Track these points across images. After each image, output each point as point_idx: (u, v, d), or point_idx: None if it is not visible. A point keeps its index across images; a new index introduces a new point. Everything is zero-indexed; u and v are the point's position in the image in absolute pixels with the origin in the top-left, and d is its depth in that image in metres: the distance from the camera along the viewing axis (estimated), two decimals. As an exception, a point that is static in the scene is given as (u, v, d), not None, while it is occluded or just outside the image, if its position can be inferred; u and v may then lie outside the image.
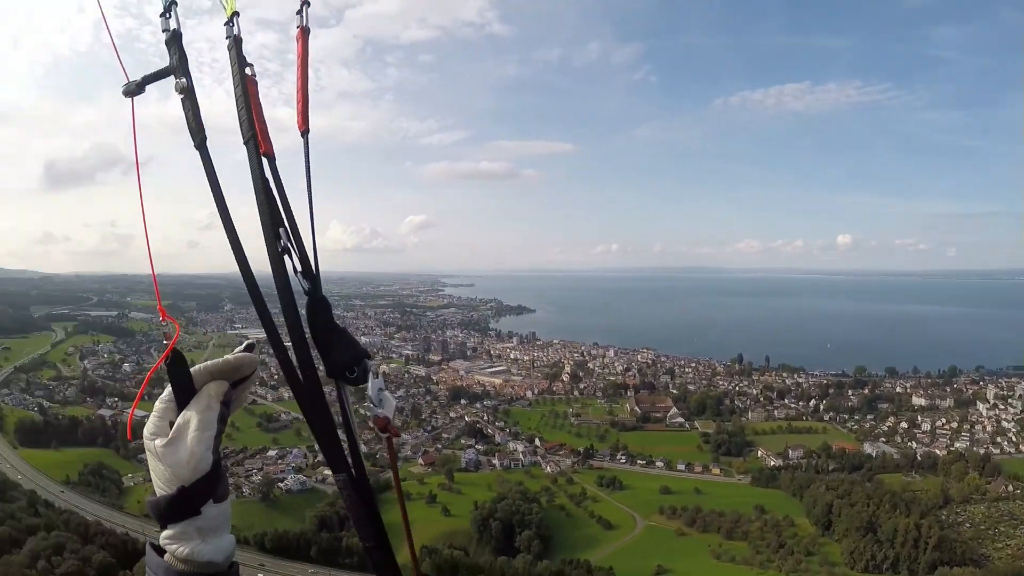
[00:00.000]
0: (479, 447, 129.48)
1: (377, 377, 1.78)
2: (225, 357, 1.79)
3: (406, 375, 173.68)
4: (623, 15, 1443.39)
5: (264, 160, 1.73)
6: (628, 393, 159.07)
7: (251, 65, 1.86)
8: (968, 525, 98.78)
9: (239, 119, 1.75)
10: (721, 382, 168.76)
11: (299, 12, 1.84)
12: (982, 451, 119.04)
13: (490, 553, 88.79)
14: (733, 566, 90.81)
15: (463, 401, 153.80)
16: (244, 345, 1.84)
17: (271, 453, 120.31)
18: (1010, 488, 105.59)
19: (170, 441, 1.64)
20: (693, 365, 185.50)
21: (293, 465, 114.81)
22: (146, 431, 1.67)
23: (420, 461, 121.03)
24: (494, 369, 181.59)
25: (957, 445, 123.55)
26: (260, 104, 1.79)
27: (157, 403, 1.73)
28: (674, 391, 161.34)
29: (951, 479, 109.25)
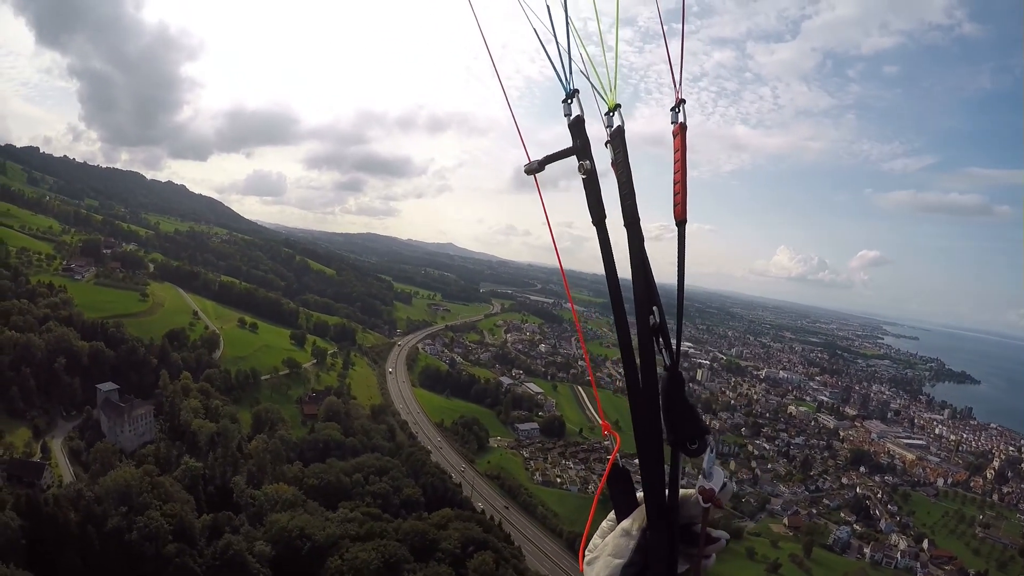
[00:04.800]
0: (857, 526, 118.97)
1: (712, 452, 1.89)
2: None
3: (812, 423, 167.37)
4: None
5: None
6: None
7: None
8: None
9: (622, 205, 1.86)
10: None
11: (674, 109, 1.95)
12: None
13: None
14: None
15: (862, 469, 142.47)
16: (699, 486, 1.88)
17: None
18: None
19: (589, 560, 1.82)
20: None
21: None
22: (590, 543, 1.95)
23: (785, 521, 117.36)
24: (911, 441, 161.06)
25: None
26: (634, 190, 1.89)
27: (604, 522, 1.99)
28: None
29: None
